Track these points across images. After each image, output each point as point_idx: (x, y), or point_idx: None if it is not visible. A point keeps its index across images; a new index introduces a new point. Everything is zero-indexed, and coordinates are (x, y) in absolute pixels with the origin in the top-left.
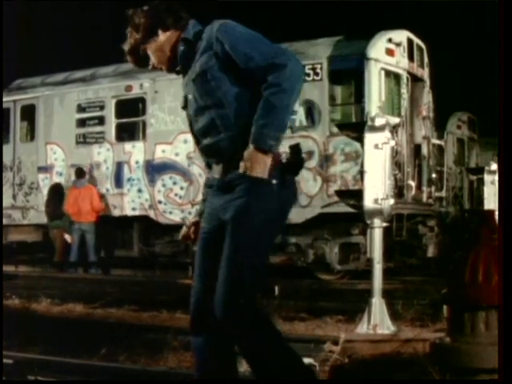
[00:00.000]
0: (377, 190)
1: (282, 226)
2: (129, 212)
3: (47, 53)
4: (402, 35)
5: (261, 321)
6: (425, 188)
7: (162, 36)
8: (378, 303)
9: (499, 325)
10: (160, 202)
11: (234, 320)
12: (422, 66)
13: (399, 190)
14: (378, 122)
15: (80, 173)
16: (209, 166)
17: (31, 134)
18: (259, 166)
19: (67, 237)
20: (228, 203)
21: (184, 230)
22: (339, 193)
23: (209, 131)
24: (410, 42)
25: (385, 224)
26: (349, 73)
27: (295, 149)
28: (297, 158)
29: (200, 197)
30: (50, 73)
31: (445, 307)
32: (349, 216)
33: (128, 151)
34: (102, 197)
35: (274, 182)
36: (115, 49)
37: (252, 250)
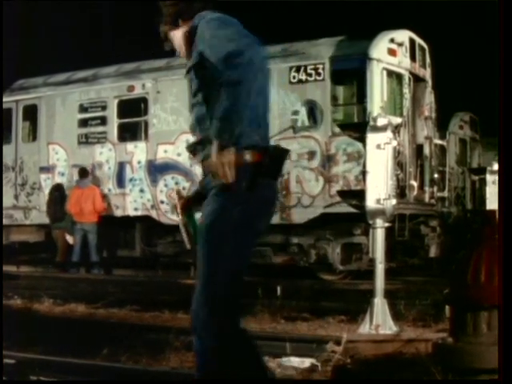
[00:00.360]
0: (379, 190)
1: (256, 231)
2: (131, 212)
3: (48, 53)
4: (404, 35)
5: (227, 325)
6: (427, 188)
7: (182, 26)
8: (380, 303)
9: (499, 325)
10: (162, 202)
11: (203, 320)
12: (424, 66)
13: (401, 190)
14: (380, 122)
15: (83, 173)
16: None
17: (33, 134)
18: (221, 168)
19: (69, 238)
20: (204, 209)
21: (175, 197)
22: (341, 193)
23: (193, 131)
24: (412, 42)
25: (387, 224)
26: (351, 73)
27: (272, 151)
28: (272, 161)
29: None
30: (52, 73)
31: (447, 307)
32: (351, 216)
33: (130, 151)
34: (105, 197)
35: (242, 185)
36: (115, 49)
37: (219, 254)
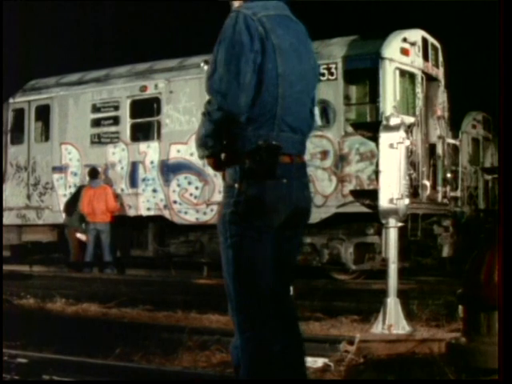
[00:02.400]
0: (392, 190)
1: (264, 227)
2: (144, 212)
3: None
4: (416, 34)
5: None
6: (440, 188)
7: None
8: (393, 303)
9: (499, 325)
10: (175, 202)
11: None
12: (436, 65)
13: (414, 190)
14: (393, 121)
15: (94, 173)
16: None
17: (46, 134)
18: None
19: (80, 235)
20: None
21: None
22: (354, 193)
23: None
24: (424, 41)
25: (400, 224)
26: (364, 72)
27: (254, 153)
28: (256, 163)
29: (214, 197)
30: (63, 73)
31: (460, 307)
32: (364, 216)
33: (143, 151)
34: (117, 197)
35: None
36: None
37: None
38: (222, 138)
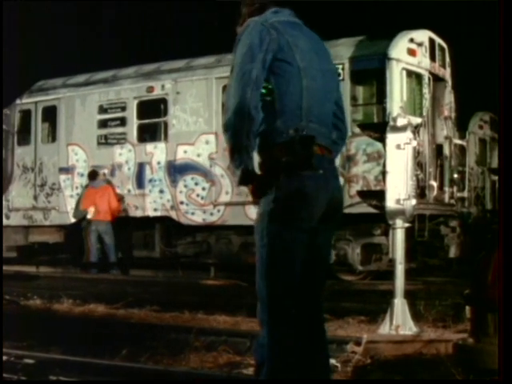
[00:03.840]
0: (399, 191)
1: (300, 226)
2: (150, 213)
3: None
4: (423, 35)
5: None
6: (447, 188)
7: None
8: (400, 304)
9: (499, 325)
10: (182, 203)
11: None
12: (443, 65)
13: (421, 191)
14: (400, 122)
15: (93, 174)
16: None
17: (53, 135)
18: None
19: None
20: None
21: None
22: (361, 193)
23: None
24: (431, 41)
25: (407, 224)
26: (370, 73)
27: (289, 145)
28: (291, 155)
29: (221, 198)
30: (68, 75)
31: (467, 308)
32: (371, 216)
33: (150, 152)
34: (121, 198)
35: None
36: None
37: (269, 255)
38: (249, 146)
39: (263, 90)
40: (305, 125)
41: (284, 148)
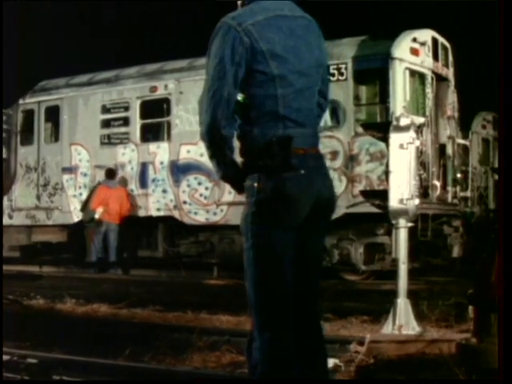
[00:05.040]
0: (402, 190)
1: (282, 227)
2: (153, 212)
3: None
4: (426, 35)
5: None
6: (450, 188)
7: None
8: (403, 304)
9: (499, 325)
10: (185, 203)
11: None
12: (446, 65)
13: (424, 190)
14: (403, 121)
15: (111, 173)
16: None
17: (55, 135)
18: None
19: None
20: None
21: None
22: (364, 193)
23: None
24: (434, 41)
25: (410, 224)
26: (373, 72)
27: (266, 148)
28: (269, 157)
29: (224, 197)
30: (70, 74)
31: (470, 308)
32: (374, 216)
33: (153, 152)
34: (133, 202)
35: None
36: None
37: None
38: (224, 157)
39: (239, 98)
40: (281, 132)
41: (262, 151)
